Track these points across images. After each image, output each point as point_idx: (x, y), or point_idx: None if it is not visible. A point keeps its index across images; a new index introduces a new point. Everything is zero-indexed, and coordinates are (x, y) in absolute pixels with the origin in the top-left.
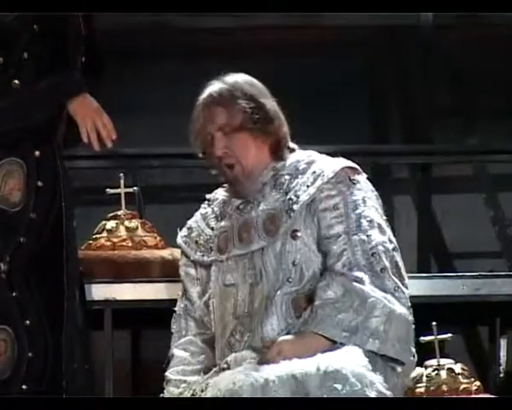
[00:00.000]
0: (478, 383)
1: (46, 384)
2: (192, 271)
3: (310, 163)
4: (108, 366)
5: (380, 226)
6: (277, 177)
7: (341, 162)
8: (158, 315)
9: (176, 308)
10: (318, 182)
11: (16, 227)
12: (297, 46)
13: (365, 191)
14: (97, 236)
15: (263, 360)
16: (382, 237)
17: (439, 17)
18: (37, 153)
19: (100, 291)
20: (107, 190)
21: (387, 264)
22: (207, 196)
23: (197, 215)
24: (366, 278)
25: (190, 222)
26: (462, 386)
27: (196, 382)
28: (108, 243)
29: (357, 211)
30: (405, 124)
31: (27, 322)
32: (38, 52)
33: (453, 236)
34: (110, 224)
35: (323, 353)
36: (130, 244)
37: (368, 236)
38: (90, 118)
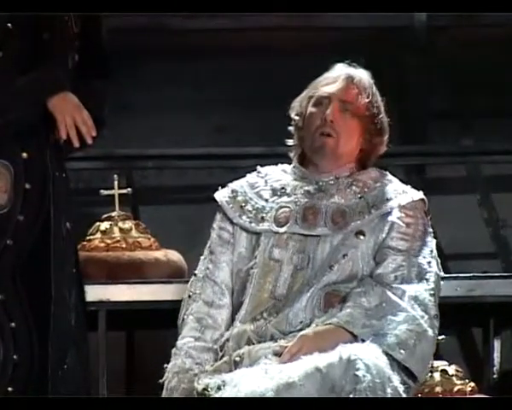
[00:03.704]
0: (472, 384)
1: (32, 387)
2: (226, 235)
3: (390, 181)
4: (102, 367)
5: (437, 261)
6: (353, 179)
7: (421, 194)
8: (152, 316)
9: (196, 271)
10: (400, 200)
11: (3, 229)
12: (292, 46)
13: (431, 228)
14: (91, 237)
15: (284, 359)
16: (438, 270)
17: (433, 18)
18: (24, 155)
19: (94, 292)
20: (101, 191)
21: (436, 292)
22: (259, 169)
23: (242, 182)
24: (412, 293)
25: (234, 186)
26: (457, 387)
27: (206, 367)
28: (102, 245)
29: (424, 239)
30: (400, 125)
31: (13, 324)
32: (14, 50)
33: (447, 237)
34: (104, 225)
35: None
36: (124, 245)
37: (428, 262)
38: (70, 114)
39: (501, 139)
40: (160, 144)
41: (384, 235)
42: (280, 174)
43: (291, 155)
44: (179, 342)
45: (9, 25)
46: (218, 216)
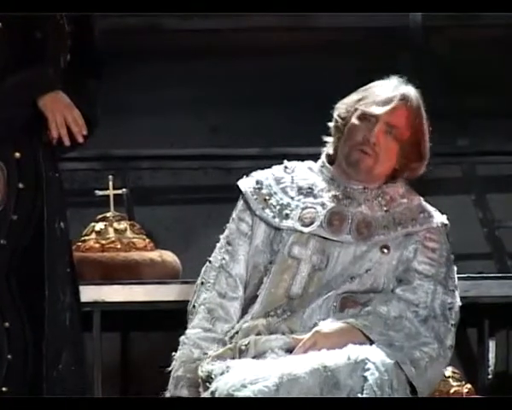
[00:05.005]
0: (469, 385)
1: (27, 386)
2: (244, 226)
3: (417, 199)
4: (97, 368)
5: (457, 288)
6: (381, 191)
7: (445, 218)
8: (147, 317)
9: (211, 258)
10: (426, 223)
11: None
12: (288, 47)
13: (452, 255)
14: (86, 237)
15: (297, 353)
16: (458, 300)
17: (428, 18)
18: (17, 154)
19: (89, 293)
20: (96, 191)
21: (456, 323)
22: (286, 164)
23: (267, 174)
24: (432, 321)
25: (259, 177)
26: (453, 389)
27: (209, 352)
28: (97, 245)
29: (448, 266)
30: None
31: (7, 324)
32: (6, 49)
33: None
34: (99, 225)
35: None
36: (118, 246)
37: (451, 290)
38: (60, 113)
39: (497, 139)
40: (155, 145)
41: (410, 255)
42: (307, 173)
43: (323, 149)
44: (189, 332)
45: (0, 24)
46: (240, 205)
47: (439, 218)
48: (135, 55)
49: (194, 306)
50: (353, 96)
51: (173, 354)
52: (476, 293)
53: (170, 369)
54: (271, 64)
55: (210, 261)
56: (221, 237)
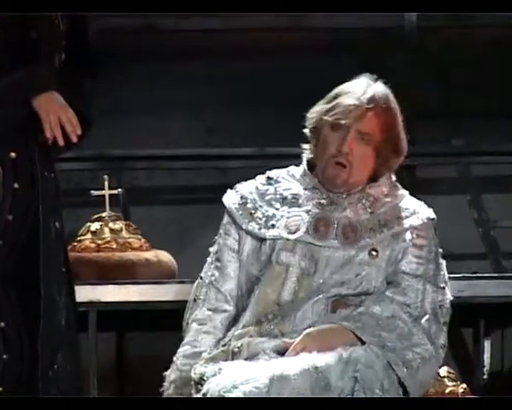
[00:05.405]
0: (464, 385)
1: (23, 386)
2: (232, 241)
3: (401, 196)
4: (93, 368)
5: (447, 284)
6: (364, 193)
7: (432, 212)
8: (142, 317)
9: (202, 274)
10: (412, 221)
11: None
12: (284, 47)
13: (440, 248)
14: (82, 237)
15: (288, 356)
16: (449, 296)
17: (423, 18)
18: (13, 154)
19: (84, 293)
20: (92, 191)
21: (447, 320)
22: (269, 174)
23: (251, 187)
24: (424, 321)
25: (242, 191)
26: (448, 389)
27: (203, 354)
28: (93, 245)
29: (437, 261)
30: None
31: (2, 324)
32: (1, 50)
33: (437, 237)
34: (94, 225)
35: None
36: (114, 246)
37: (441, 288)
38: (55, 113)
39: (492, 140)
40: (151, 145)
41: (398, 256)
42: (290, 182)
43: (303, 155)
44: (180, 350)
45: None
46: (225, 221)
47: (425, 213)
48: (131, 55)
49: (188, 323)
50: (323, 106)
51: (164, 373)
52: (471, 293)
53: (162, 389)
54: (269, 64)
55: (201, 277)
56: (210, 250)
